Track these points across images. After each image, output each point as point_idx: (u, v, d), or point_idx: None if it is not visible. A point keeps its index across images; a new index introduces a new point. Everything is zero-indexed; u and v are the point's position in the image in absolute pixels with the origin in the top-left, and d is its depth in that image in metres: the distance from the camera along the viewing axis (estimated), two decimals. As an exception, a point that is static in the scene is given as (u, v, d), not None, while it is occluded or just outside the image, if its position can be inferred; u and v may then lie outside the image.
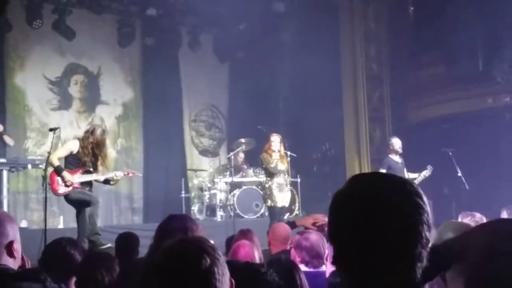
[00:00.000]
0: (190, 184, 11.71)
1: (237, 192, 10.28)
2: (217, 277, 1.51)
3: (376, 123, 11.33)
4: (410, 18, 11.58)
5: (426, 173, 8.69)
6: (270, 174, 8.05)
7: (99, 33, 11.34)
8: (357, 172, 10.96)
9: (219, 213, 10.51)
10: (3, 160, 8.18)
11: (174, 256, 1.53)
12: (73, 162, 7.24)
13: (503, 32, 9.51)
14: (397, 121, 11.29)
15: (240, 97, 12.04)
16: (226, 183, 10.83)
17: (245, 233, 4.64)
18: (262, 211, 10.21)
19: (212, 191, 10.73)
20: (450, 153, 8.70)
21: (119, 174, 7.55)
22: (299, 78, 11.69)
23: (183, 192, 10.77)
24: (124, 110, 11.76)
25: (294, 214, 10.61)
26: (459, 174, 8.59)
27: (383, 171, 8.77)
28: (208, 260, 1.51)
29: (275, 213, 7.98)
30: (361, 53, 11.32)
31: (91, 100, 11.47)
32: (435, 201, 9.00)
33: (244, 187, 10.52)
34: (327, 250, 3.34)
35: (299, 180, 10.68)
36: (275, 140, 8.07)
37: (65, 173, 7.08)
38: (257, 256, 3.89)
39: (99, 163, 7.33)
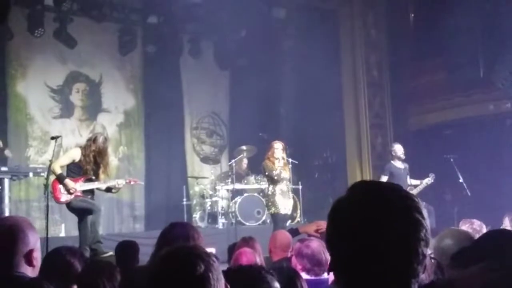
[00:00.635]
0: (191, 192, 11.69)
1: (238, 199, 10.27)
2: (212, 282, 1.53)
3: (377, 130, 11.33)
4: (410, 25, 11.59)
5: (428, 181, 8.67)
6: (273, 181, 8.02)
7: (101, 41, 11.36)
8: (358, 178, 10.95)
9: (221, 221, 10.50)
10: (4, 169, 8.20)
11: (169, 262, 1.56)
12: (75, 170, 7.25)
13: (504, 38, 9.51)
14: (398, 128, 11.29)
15: (241, 104, 12.04)
16: (227, 190, 10.82)
17: (247, 241, 4.64)
18: (263, 218, 10.20)
19: (214, 199, 10.72)
20: (452, 160, 8.71)
21: (121, 182, 7.56)
22: (300, 85, 11.71)
23: (184, 199, 10.76)
24: (125, 118, 11.77)
25: (296, 221, 10.59)
26: (461, 180, 8.59)
27: (385, 177, 8.76)
28: (202, 266, 1.53)
29: (278, 220, 7.93)
30: (361, 59, 11.34)
31: (93, 108, 11.48)
32: (437, 207, 9.02)
33: (245, 194, 10.51)
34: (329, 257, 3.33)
35: (300, 187, 10.68)
36: (278, 148, 8.04)
37: (68, 181, 7.09)
38: (259, 264, 3.88)
39: (101, 171, 7.34)
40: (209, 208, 10.77)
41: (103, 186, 7.41)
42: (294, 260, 3.66)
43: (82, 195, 7.22)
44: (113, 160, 10.28)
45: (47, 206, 6.92)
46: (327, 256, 3.46)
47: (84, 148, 7.30)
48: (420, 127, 11.24)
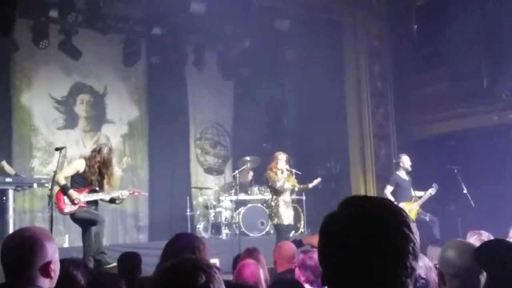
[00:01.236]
0: (195, 202, 11.68)
1: (242, 210, 10.27)
2: None
3: (381, 140, 11.33)
4: (413, 35, 11.60)
5: (432, 191, 8.66)
6: (276, 191, 8.03)
7: (105, 52, 11.41)
8: (362, 189, 10.95)
9: (224, 231, 10.49)
10: (9, 180, 8.23)
11: (171, 274, 1.59)
12: (79, 181, 7.27)
13: (507, 49, 9.52)
14: (402, 138, 11.28)
15: (245, 114, 12.06)
16: (231, 201, 10.82)
17: (251, 252, 4.63)
18: (267, 229, 10.19)
19: (217, 209, 10.72)
20: (455, 170, 8.69)
21: (124, 193, 7.57)
22: (303, 95, 11.73)
23: (188, 210, 10.75)
24: (129, 129, 11.80)
25: (299, 232, 10.57)
26: (465, 191, 8.56)
27: (391, 188, 8.77)
28: (203, 277, 1.56)
29: (281, 230, 7.93)
30: (365, 70, 11.37)
31: (97, 119, 11.52)
32: (442, 218, 8.98)
33: (249, 205, 10.51)
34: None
35: (304, 197, 10.67)
36: (282, 159, 8.04)
37: (72, 192, 7.11)
38: (262, 276, 3.87)
39: (105, 181, 7.35)
40: (212, 218, 10.76)
41: (107, 197, 7.42)
42: (297, 271, 3.66)
43: (86, 206, 7.23)
44: (117, 171, 10.27)
45: (51, 216, 6.93)
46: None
47: (89, 159, 7.32)
48: (423, 138, 11.22)
